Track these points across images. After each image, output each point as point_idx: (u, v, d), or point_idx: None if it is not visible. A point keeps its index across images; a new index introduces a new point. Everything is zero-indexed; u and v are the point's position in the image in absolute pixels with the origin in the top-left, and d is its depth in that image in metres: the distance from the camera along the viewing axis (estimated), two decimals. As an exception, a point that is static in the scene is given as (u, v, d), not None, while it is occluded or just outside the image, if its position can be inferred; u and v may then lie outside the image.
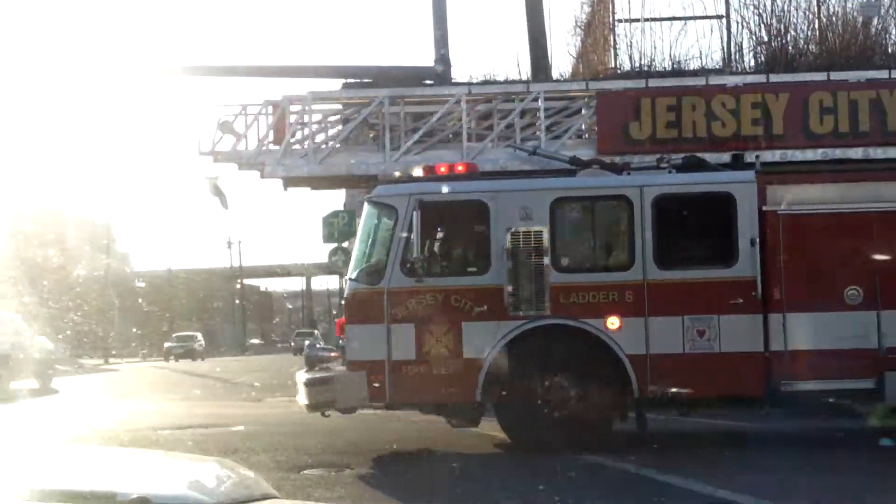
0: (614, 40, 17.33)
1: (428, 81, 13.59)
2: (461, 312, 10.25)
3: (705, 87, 12.49)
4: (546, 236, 10.29)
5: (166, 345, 55.87)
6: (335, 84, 14.99)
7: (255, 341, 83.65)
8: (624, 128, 12.19)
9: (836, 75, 12.53)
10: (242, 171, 13.00)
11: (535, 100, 12.92)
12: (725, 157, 11.38)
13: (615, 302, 10.19)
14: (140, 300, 65.73)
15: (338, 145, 12.63)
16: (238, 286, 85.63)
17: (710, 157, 11.47)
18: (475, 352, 10.13)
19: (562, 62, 26.25)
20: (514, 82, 15.62)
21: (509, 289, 10.22)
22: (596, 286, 10.28)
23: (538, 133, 12.78)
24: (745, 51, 17.02)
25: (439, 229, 10.80)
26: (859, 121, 12.08)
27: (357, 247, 11.26)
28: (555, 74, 17.31)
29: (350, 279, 10.89)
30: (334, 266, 22.47)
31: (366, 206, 11.18)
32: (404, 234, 10.38)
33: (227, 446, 10.68)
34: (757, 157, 11.24)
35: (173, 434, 12.28)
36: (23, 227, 38.55)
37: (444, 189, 10.63)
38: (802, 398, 10.36)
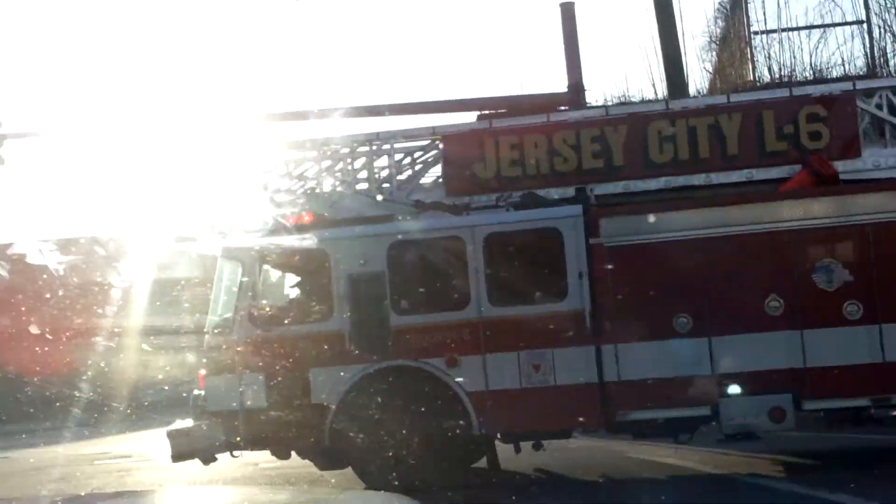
0: (751, 53, 17.36)
1: (563, 108, 13.51)
2: (307, 360, 10.48)
3: (546, 124, 12.59)
4: (385, 280, 10.58)
5: None
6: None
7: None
8: (469, 169, 12.33)
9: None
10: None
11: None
12: (571, 191, 11.56)
13: (453, 341, 10.38)
14: None
15: None
16: None
17: (559, 192, 11.73)
18: (322, 397, 10.37)
19: (697, 78, 26.29)
20: (650, 102, 15.72)
21: (351, 334, 10.50)
22: (435, 326, 10.46)
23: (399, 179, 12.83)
24: (890, 55, 17.16)
25: (284, 279, 11.31)
26: (699, 147, 12.10)
27: (212, 299, 11.48)
28: (691, 91, 17.23)
29: (206, 332, 11.25)
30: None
31: (218, 259, 11.41)
32: (250, 286, 10.69)
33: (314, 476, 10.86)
34: (591, 190, 11.54)
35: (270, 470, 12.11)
36: None
37: (287, 240, 10.85)
38: (642, 427, 10.61)
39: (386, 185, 12.62)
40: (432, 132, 12.67)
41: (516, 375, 10.28)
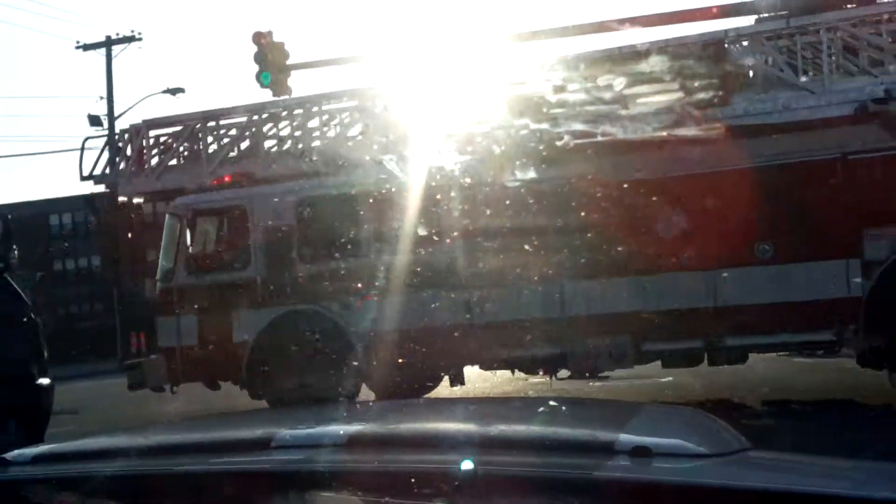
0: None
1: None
2: (230, 303, 12.07)
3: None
4: (293, 233, 12.00)
5: None
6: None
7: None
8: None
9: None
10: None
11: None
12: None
13: (351, 287, 11.63)
14: None
15: (173, 162, 14.39)
16: None
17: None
18: (242, 336, 11.91)
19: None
20: None
21: (264, 280, 12.03)
22: (336, 273, 11.73)
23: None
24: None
25: (214, 232, 12.95)
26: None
27: (161, 252, 13.08)
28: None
29: (157, 280, 13.08)
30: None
31: (166, 217, 13.03)
32: (186, 238, 12.44)
33: (659, 397, 11.05)
34: None
35: (605, 386, 12.26)
36: None
37: (216, 197, 12.54)
38: (495, 364, 11.81)
39: (315, 144, 13.45)
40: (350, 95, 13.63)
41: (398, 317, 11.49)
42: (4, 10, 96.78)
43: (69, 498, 1.52)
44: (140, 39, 32.42)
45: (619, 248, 10.74)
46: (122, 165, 14.23)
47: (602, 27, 14.55)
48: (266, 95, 16.46)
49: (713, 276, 10.58)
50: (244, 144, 13.98)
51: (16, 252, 9.22)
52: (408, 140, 12.30)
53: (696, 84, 11.23)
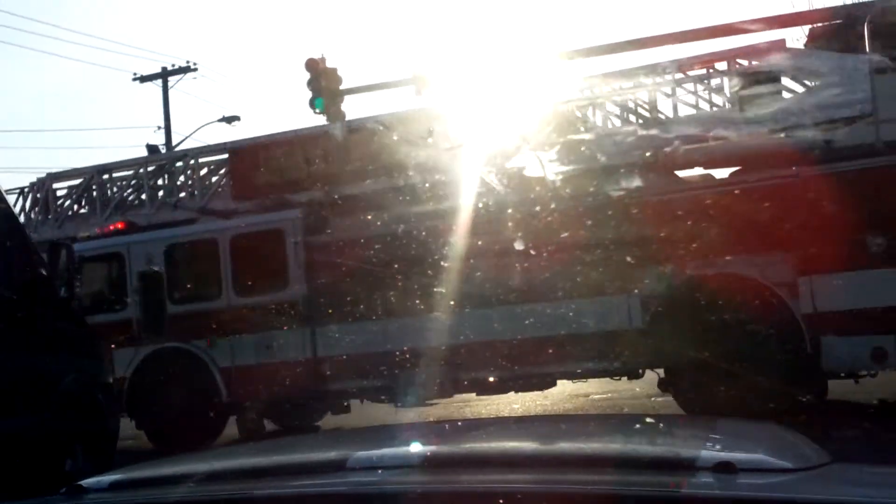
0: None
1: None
2: (110, 342, 11.97)
3: (296, 136, 14.09)
4: (162, 277, 12.80)
5: None
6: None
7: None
8: (251, 177, 13.84)
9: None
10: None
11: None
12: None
13: (211, 325, 12.43)
14: None
15: (82, 211, 15.11)
16: None
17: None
18: (122, 372, 12.29)
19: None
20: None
21: (138, 320, 12.79)
22: (198, 313, 12.58)
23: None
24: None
25: (99, 277, 13.54)
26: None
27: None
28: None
29: None
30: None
31: None
32: (77, 282, 12.83)
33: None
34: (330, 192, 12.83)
35: (668, 400, 11.95)
36: None
37: (99, 244, 13.33)
38: (342, 395, 12.54)
39: (182, 194, 14.45)
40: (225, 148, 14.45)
41: (253, 353, 12.35)
42: (64, 47, 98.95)
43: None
44: (195, 69, 32.44)
45: (438, 289, 11.35)
46: (32, 214, 15.16)
47: (642, 44, 14.44)
48: (321, 120, 16.65)
49: (516, 310, 11.24)
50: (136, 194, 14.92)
51: (80, 281, 9.37)
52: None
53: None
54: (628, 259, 10.64)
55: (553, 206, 11.13)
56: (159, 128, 32.15)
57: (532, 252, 10.99)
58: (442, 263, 11.24)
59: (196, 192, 14.35)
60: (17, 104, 64.64)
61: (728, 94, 11.74)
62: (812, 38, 13.04)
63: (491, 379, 11.53)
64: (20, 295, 7.79)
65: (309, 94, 16.90)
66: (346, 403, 13.02)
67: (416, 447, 2.28)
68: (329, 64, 16.71)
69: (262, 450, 2.73)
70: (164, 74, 32.17)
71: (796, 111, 10.83)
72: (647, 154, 11.09)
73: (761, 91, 11.40)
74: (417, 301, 11.52)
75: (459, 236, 11.09)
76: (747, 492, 1.73)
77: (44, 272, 8.41)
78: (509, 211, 11.25)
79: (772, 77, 11.53)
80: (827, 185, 9.92)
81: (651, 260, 10.63)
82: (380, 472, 1.98)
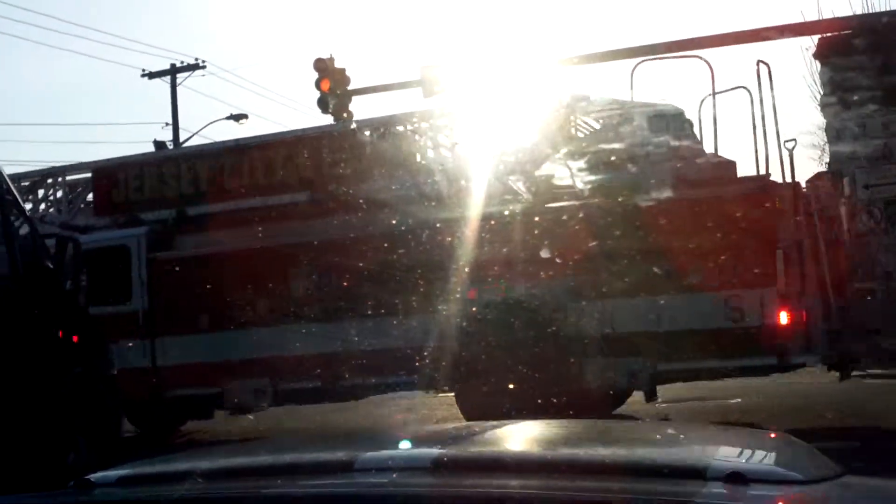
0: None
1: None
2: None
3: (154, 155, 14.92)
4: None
5: None
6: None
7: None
8: (110, 195, 14.15)
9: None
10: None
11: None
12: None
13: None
14: None
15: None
16: None
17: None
18: None
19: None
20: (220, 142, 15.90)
21: None
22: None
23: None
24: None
25: None
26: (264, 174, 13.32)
27: None
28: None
29: None
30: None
31: None
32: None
33: (728, 419, 10.73)
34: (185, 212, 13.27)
35: (673, 407, 12.13)
36: None
37: None
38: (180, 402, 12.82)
39: (52, 209, 14.62)
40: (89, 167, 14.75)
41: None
42: (73, 42, 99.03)
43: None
44: (204, 67, 32.38)
45: (266, 305, 12.23)
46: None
47: (651, 50, 14.48)
48: (328, 120, 16.68)
49: (333, 325, 11.93)
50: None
51: (85, 275, 9.37)
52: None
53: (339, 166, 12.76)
54: (436, 282, 11.30)
55: (371, 230, 11.82)
56: (167, 124, 32.12)
57: (354, 271, 11.85)
58: (269, 283, 12.21)
59: (62, 209, 14.74)
60: (26, 98, 64.63)
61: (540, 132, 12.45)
62: (824, 47, 13.07)
63: (308, 388, 12.21)
64: (26, 288, 7.79)
65: (317, 94, 16.91)
66: (209, 409, 13.37)
67: (422, 449, 2.26)
68: (337, 64, 16.72)
69: (271, 448, 2.71)
70: (173, 71, 32.15)
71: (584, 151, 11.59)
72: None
73: (557, 128, 12.22)
74: (248, 315, 12.17)
75: (285, 258, 12.12)
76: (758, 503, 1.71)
77: (49, 265, 8.39)
78: (328, 233, 12.06)
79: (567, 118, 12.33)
80: (594, 220, 10.83)
81: (455, 284, 11.26)
82: (389, 473, 1.96)
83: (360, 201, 12.08)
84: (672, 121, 11.89)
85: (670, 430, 2.95)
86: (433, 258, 11.37)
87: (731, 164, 11.30)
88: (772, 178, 10.94)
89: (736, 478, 1.83)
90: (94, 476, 2.13)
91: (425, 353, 11.32)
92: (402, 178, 12.28)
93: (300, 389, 12.25)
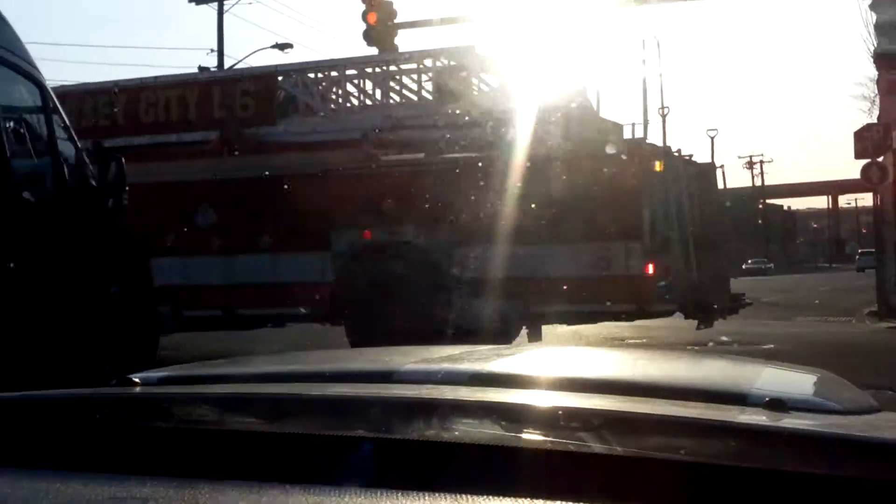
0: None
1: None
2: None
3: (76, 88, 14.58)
4: None
5: (744, 266, 59.26)
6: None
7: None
8: None
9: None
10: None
11: None
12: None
13: None
14: None
15: None
16: (760, 206, 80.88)
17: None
18: None
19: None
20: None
21: None
22: None
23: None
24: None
25: None
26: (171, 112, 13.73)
27: None
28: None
29: None
30: (867, 182, 20.82)
31: None
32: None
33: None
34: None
35: (705, 350, 12.21)
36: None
37: None
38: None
39: None
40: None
41: None
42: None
43: (203, 415, 1.51)
44: (252, -6, 32.81)
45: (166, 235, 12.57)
46: None
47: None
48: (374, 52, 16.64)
49: (232, 260, 12.79)
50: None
51: (127, 194, 9.44)
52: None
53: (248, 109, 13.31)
54: (324, 222, 12.18)
55: (272, 172, 12.50)
56: (212, 51, 32.14)
57: (255, 209, 12.53)
58: (176, 216, 12.69)
59: None
60: (73, 20, 64.85)
61: (432, 87, 13.31)
62: None
63: (208, 316, 12.84)
64: (71, 203, 7.86)
65: (363, 26, 16.83)
66: None
67: (462, 365, 2.27)
68: (385, -2, 16.62)
69: (310, 358, 2.74)
70: (221, -3, 32.09)
71: (476, 107, 12.44)
72: (359, 133, 12.52)
73: (456, 85, 13.08)
74: (154, 244, 12.10)
75: (191, 194, 12.78)
76: (797, 428, 1.71)
77: (93, 182, 8.45)
78: (234, 173, 12.66)
79: (464, 75, 13.32)
80: (483, 172, 11.48)
81: (343, 224, 12.27)
82: (427, 385, 1.97)
83: (265, 144, 12.85)
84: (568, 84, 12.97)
85: (711, 360, 2.92)
86: (331, 201, 12.14)
87: (618, 127, 12.38)
88: (648, 141, 12.00)
89: (776, 405, 1.79)
90: (136, 375, 2.15)
91: (320, 288, 12.23)
92: (308, 123, 13.03)
93: (201, 317, 12.91)
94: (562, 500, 1.09)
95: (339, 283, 12.26)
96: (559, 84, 12.93)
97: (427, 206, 11.77)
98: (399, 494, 1.09)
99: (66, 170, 8.05)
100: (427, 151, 12.29)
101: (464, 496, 1.09)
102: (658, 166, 11.82)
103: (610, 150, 11.72)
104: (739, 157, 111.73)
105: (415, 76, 13.47)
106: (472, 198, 11.53)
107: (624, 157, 11.65)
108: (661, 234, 11.60)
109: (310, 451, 1.23)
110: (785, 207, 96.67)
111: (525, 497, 1.09)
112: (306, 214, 12.13)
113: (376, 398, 1.59)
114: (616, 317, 12.13)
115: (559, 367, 2.35)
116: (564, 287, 11.47)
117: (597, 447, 1.21)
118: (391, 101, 13.47)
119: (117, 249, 8.81)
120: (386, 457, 1.20)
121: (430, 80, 13.29)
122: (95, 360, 7.70)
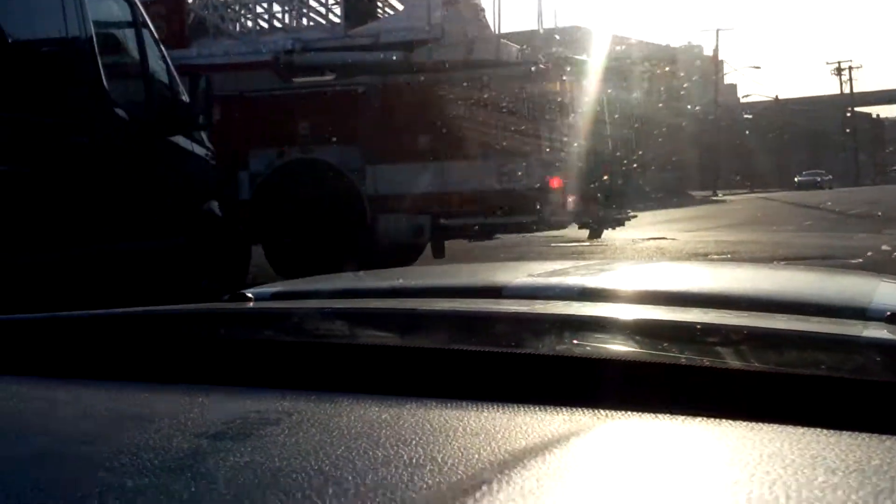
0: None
1: None
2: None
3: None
4: None
5: (796, 179, 59.98)
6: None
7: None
8: None
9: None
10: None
11: None
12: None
13: None
14: (747, 132, 66.25)
15: None
16: (848, 114, 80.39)
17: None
18: None
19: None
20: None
21: None
22: None
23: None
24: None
25: None
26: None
27: None
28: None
29: None
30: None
31: None
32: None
33: None
34: None
35: (792, 264, 11.79)
36: (631, 63, 40.53)
37: None
38: None
39: None
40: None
41: None
42: None
43: (328, 329, 1.52)
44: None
45: None
46: None
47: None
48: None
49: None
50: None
51: (215, 112, 9.52)
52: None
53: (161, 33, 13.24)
54: (242, 141, 12.42)
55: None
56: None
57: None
58: None
59: None
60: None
61: (340, 11, 13.87)
62: None
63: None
64: (164, 120, 7.95)
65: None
66: None
67: (572, 280, 2.26)
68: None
69: (422, 273, 2.74)
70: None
71: (384, 30, 12.99)
72: (270, 56, 12.80)
73: (363, 8, 13.89)
74: None
75: None
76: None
77: (184, 99, 8.53)
78: None
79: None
80: (391, 94, 12.24)
81: (259, 144, 12.59)
82: (533, 301, 1.96)
83: (180, 67, 12.94)
84: (465, 6, 13.35)
85: (825, 275, 2.89)
86: (247, 122, 12.54)
87: (513, 49, 12.93)
88: (542, 63, 12.46)
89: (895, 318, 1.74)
90: (249, 291, 2.17)
91: (237, 207, 12.19)
92: (220, 46, 13.32)
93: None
94: (700, 416, 1.08)
95: (255, 202, 12.55)
96: (460, 7, 13.44)
97: (337, 126, 12.20)
98: (537, 409, 1.08)
99: (157, 86, 8.12)
100: (336, 74, 12.84)
101: (603, 411, 1.08)
102: (555, 85, 12.41)
103: (509, 70, 12.37)
104: (827, 63, 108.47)
105: (322, -1, 13.78)
106: (381, 118, 12.21)
107: (524, 77, 12.21)
108: (560, 150, 12.26)
109: (443, 365, 1.23)
110: (874, 115, 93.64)
111: (665, 413, 1.09)
112: (224, 136, 11.98)
113: (507, 313, 1.58)
114: (519, 228, 12.73)
115: (670, 282, 2.32)
116: (471, 201, 12.11)
117: (735, 363, 1.19)
118: (300, 24, 13.95)
119: (208, 164, 8.92)
120: (524, 372, 1.19)
121: (336, 3, 13.91)
122: (193, 275, 7.86)
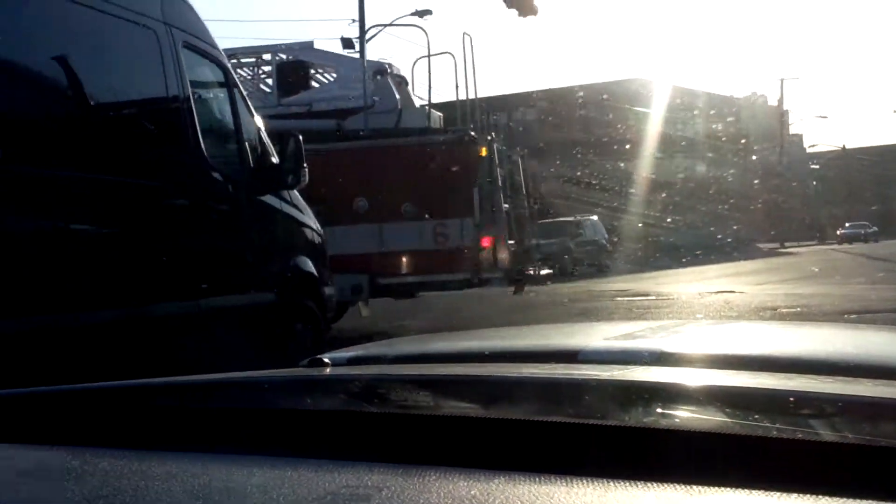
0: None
1: None
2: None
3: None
4: None
5: (839, 232, 58.21)
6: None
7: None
8: None
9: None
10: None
11: None
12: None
13: None
14: (815, 182, 65.82)
15: None
16: None
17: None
18: None
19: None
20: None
21: None
22: None
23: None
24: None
25: None
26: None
27: None
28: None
29: None
30: None
31: None
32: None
33: None
34: None
35: (864, 318, 12.09)
36: (692, 112, 40.75)
37: None
38: None
39: None
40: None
41: None
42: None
43: (410, 399, 1.52)
44: (390, -38, 32.85)
45: None
46: None
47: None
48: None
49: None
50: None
51: (306, 170, 9.61)
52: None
53: None
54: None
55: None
56: (353, 21, 32.43)
57: None
58: None
59: None
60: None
61: (271, 81, 14.60)
62: None
63: None
64: (256, 180, 8.08)
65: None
66: None
67: (650, 344, 2.23)
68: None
69: (496, 335, 2.74)
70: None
71: (316, 100, 14.04)
72: None
73: (295, 79, 14.72)
74: None
75: None
76: None
77: (275, 160, 8.65)
78: None
79: (304, 69, 15.19)
80: (327, 160, 12.48)
81: None
82: (610, 366, 1.93)
83: None
84: (392, 77, 14.86)
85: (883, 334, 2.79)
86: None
87: (439, 118, 14.31)
88: (471, 131, 13.69)
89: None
90: (325, 355, 2.19)
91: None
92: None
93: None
94: (791, 492, 1.06)
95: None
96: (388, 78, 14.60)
97: None
98: (628, 484, 1.07)
99: (249, 147, 8.26)
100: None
101: (696, 486, 1.06)
102: (483, 151, 13.26)
103: (441, 137, 13.47)
104: (895, 112, 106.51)
105: (252, 69, 14.94)
106: (318, 183, 12.29)
107: (455, 144, 13.23)
108: (489, 211, 13.09)
109: (530, 436, 1.22)
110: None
111: (755, 489, 1.06)
112: None
113: (585, 380, 1.56)
114: (453, 286, 13.37)
115: (748, 345, 2.29)
116: (407, 260, 12.95)
117: (828, 435, 1.16)
118: None
119: (297, 223, 9.03)
120: (611, 445, 1.18)
121: (267, 75, 14.74)
122: (280, 335, 7.91)
